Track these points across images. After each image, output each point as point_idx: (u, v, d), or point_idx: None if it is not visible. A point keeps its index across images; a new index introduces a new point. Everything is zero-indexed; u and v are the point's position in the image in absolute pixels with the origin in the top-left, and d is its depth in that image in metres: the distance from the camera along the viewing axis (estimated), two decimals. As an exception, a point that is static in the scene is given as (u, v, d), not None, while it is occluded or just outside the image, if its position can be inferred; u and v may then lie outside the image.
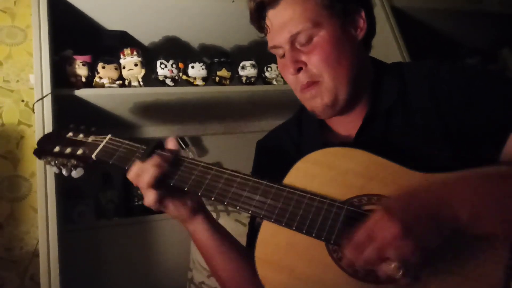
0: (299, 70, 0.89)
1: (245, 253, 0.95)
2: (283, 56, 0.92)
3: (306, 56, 0.88)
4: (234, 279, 0.95)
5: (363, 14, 0.92)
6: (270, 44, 0.93)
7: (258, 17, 0.92)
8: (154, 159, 0.86)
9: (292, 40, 0.88)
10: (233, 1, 1.67)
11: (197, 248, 0.98)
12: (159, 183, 0.85)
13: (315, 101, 0.90)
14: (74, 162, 0.96)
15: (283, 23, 0.88)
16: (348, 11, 0.91)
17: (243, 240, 1.07)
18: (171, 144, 0.92)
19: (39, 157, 1.01)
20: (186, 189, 0.87)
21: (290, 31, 0.87)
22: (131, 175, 0.87)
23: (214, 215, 1.68)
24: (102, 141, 0.96)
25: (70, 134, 1.02)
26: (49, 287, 1.15)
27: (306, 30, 0.87)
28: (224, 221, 1.69)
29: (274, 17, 0.89)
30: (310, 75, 0.88)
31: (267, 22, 0.91)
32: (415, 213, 0.66)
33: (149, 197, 0.85)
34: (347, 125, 0.97)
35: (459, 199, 0.68)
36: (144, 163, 0.85)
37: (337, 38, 0.88)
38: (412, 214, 0.66)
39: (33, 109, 1.34)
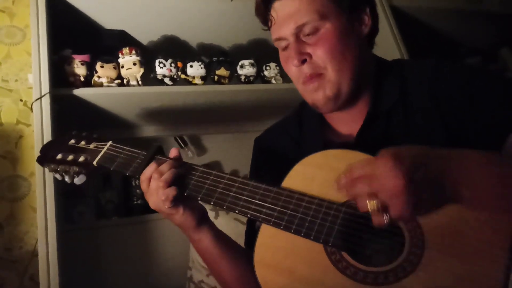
0: (303, 61, 0.89)
1: (247, 256, 0.95)
2: (286, 48, 0.91)
3: (311, 48, 0.88)
4: (239, 283, 0.95)
5: (368, 10, 0.93)
6: (274, 36, 0.93)
7: (264, 8, 0.92)
8: (169, 162, 0.89)
9: (297, 32, 0.88)
10: (231, 0, 1.66)
11: (200, 256, 0.99)
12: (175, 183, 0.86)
13: (318, 94, 0.90)
14: (76, 169, 0.97)
15: (289, 14, 0.88)
16: (354, 6, 0.91)
17: (242, 239, 1.07)
18: (173, 152, 0.93)
19: (42, 164, 1.02)
20: (186, 193, 0.88)
21: (296, 22, 0.87)
22: (146, 175, 0.88)
23: (213, 214, 1.68)
24: (103, 148, 0.98)
25: (72, 141, 1.03)
26: (48, 287, 1.16)
27: (312, 22, 0.87)
28: (223, 220, 1.70)
29: (280, 8, 0.89)
30: (314, 67, 0.89)
31: (273, 13, 0.91)
32: (422, 168, 0.67)
33: (170, 193, 0.85)
34: (348, 123, 0.97)
35: (465, 175, 0.69)
36: (162, 165, 0.87)
37: (343, 31, 0.88)
38: (418, 171, 0.67)
39: (31, 109, 1.34)
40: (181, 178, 0.88)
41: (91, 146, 1.00)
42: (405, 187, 0.65)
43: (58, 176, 1.00)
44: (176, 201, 0.86)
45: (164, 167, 0.87)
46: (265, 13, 0.92)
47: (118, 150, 0.96)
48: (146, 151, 0.94)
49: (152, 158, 0.92)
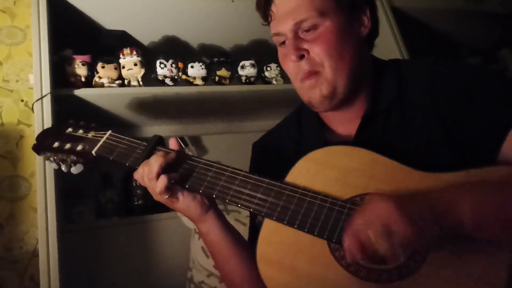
0: (301, 57, 0.88)
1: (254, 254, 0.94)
2: (284, 44, 0.91)
3: (309, 45, 0.88)
4: (247, 280, 0.94)
5: (368, 12, 0.93)
6: (273, 31, 0.93)
7: (265, 3, 0.92)
8: (158, 154, 0.87)
9: (296, 28, 0.88)
10: (232, 1, 1.67)
11: (210, 254, 0.98)
12: (165, 172, 0.85)
13: (314, 92, 0.90)
14: (73, 158, 0.95)
15: (289, 9, 0.88)
16: (355, 7, 0.91)
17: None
18: (172, 144, 0.92)
19: (38, 153, 1.00)
20: (187, 186, 0.87)
21: (295, 18, 0.87)
22: (138, 174, 0.87)
23: (214, 214, 1.68)
24: (102, 137, 0.96)
25: (70, 129, 1.01)
26: (48, 287, 1.15)
27: (311, 19, 0.87)
28: (224, 220, 1.69)
29: (281, 3, 0.89)
30: (312, 64, 0.88)
31: (273, 8, 0.91)
32: (419, 210, 0.67)
33: (160, 184, 0.84)
34: (346, 123, 0.96)
35: (464, 205, 0.68)
36: (148, 160, 0.86)
37: (342, 30, 0.88)
38: (415, 210, 0.66)
39: (32, 109, 1.34)
40: (172, 165, 0.87)
41: (90, 135, 0.98)
42: (416, 234, 0.64)
43: (54, 165, 0.97)
44: (171, 190, 0.86)
45: (151, 160, 0.86)
46: (266, 8, 0.92)
47: (118, 140, 0.95)
48: (146, 142, 0.93)
49: (153, 148, 0.91)
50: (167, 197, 0.86)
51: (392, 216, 0.64)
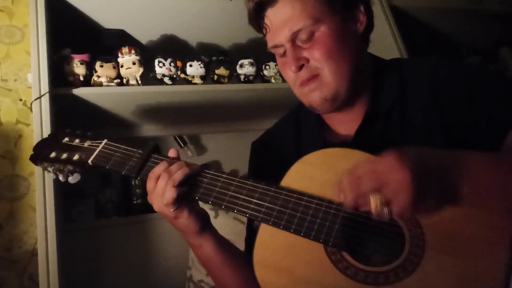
0: (301, 67, 0.88)
1: (249, 262, 0.94)
2: (284, 54, 0.91)
3: (307, 52, 0.88)
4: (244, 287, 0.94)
5: (362, 8, 0.92)
6: (270, 44, 0.92)
7: (257, 17, 0.91)
8: (181, 163, 0.87)
9: (293, 38, 0.88)
10: (231, 0, 1.66)
11: (201, 263, 0.98)
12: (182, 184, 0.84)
13: (314, 95, 0.89)
14: (70, 167, 0.95)
15: (283, 21, 0.87)
16: (348, 5, 0.90)
17: (242, 239, 1.07)
18: (172, 153, 0.92)
19: (35, 163, 1.00)
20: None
21: (290, 29, 0.87)
22: (155, 172, 0.85)
23: (212, 213, 1.68)
24: (98, 146, 0.96)
25: (66, 139, 1.01)
26: (48, 287, 1.15)
27: (307, 27, 0.86)
28: (223, 219, 1.70)
29: (274, 16, 0.88)
30: (311, 70, 0.88)
31: (266, 21, 0.90)
32: (426, 167, 0.67)
33: (169, 195, 0.82)
34: (346, 124, 0.96)
35: (466, 174, 0.69)
36: (172, 165, 0.85)
37: (338, 32, 0.88)
38: (422, 167, 0.67)
39: (31, 108, 1.34)
40: (189, 179, 0.87)
41: (86, 144, 0.98)
42: (410, 180, 0.65)
43: (52, 175, 0.98)
44: (181, 203, 0.85)
45: (174, 167, 0.85)
46: (259, 22, 0.91)
47: (114, 148, 0.95)
48: (142, 150, 0.92)
49: (148, 156, 0.91)
50: (173, 210, 0.85)
51: (404, 191, 0.65)
